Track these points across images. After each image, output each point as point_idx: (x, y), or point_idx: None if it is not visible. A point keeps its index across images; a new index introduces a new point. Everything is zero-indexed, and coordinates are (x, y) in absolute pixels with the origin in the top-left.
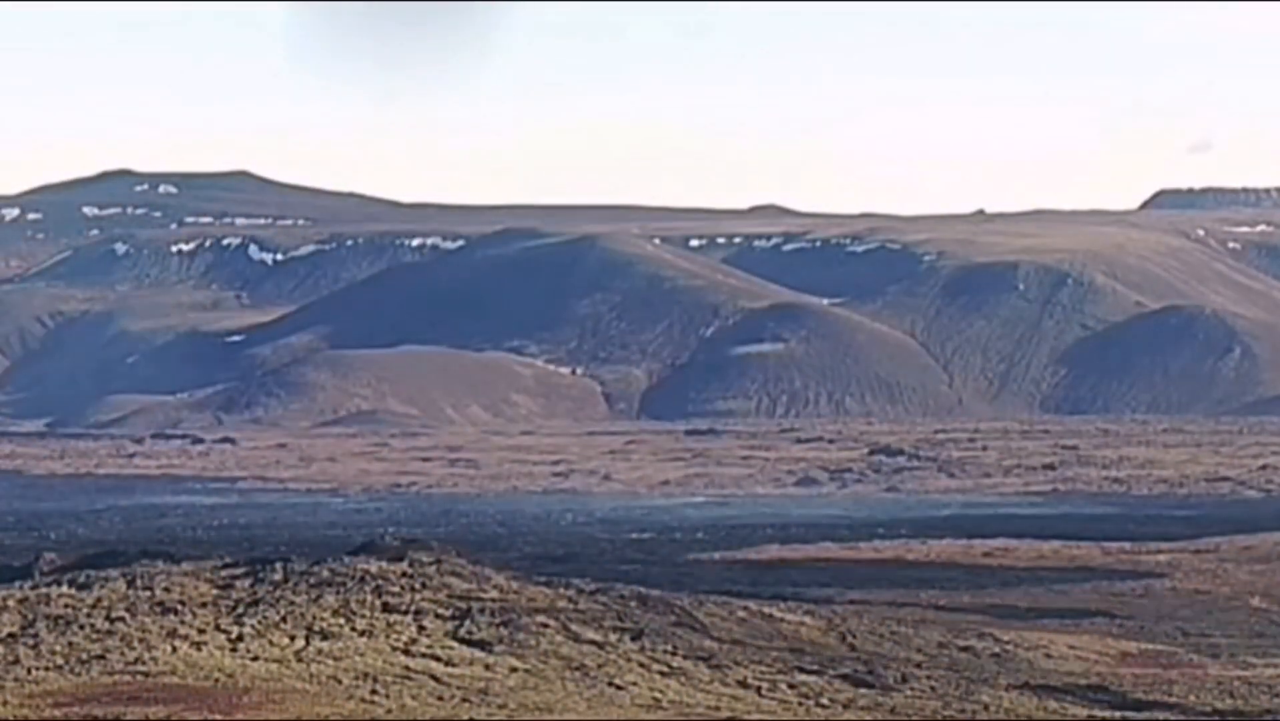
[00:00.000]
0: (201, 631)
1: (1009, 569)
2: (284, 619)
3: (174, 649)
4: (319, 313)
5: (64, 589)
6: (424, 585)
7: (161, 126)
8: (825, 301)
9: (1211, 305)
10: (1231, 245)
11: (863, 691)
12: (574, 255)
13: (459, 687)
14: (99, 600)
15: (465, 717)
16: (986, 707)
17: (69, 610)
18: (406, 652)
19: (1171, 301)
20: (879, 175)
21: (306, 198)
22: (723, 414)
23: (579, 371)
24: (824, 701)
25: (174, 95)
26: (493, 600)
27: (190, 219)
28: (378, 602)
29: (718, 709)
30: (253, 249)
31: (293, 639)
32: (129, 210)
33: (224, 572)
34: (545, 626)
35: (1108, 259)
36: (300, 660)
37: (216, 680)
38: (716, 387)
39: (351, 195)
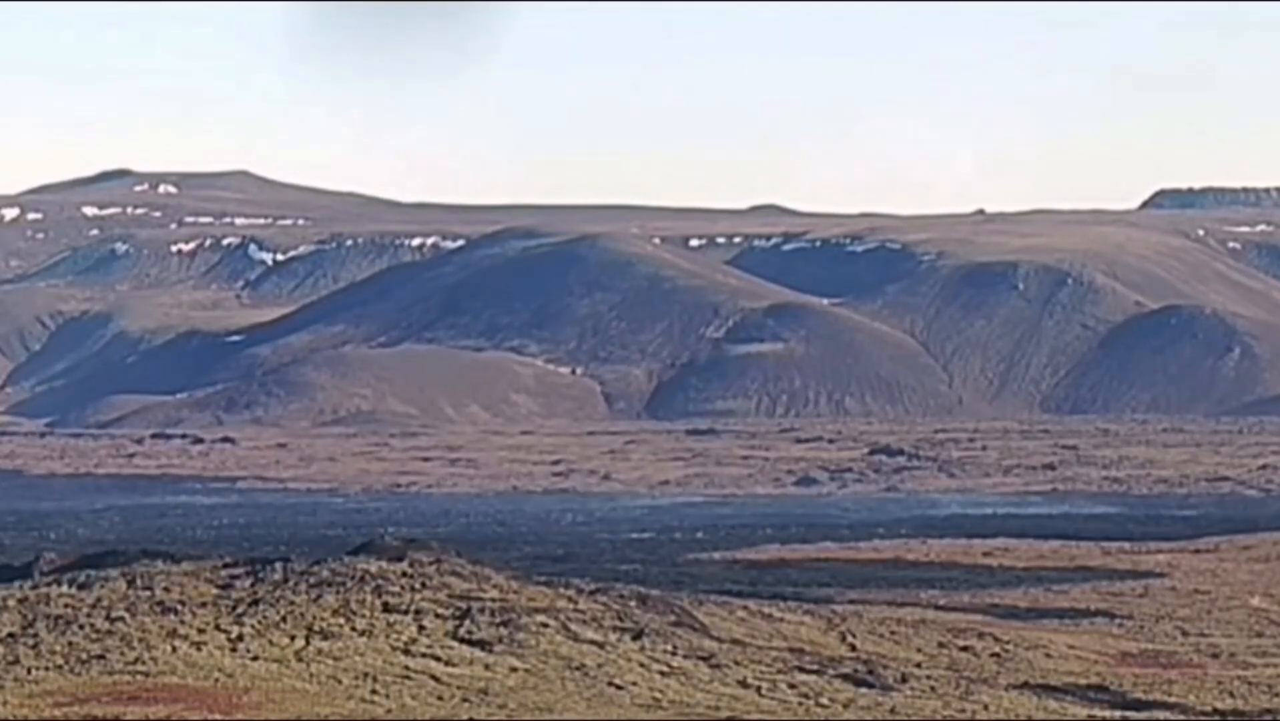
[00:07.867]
0: (201, 631)
1: (1009, 569)
2: (284, 619)
3: (174, 649)
4: (319, 313)
5: (64, 589)
6: (424, 585)
7: (161, 126)
8: (825, 301)
9: (1211, 305)
10: (1231, 245)
11: (863, 691)
12: (574, 255)
13: (459, 687)
14: (99, 600)
15: (465, 717)
16: (986, 707)
17: (69, 610)
18: (406, 652)
19: (1171, 301)
20: (879, 175)
21: (306, 197)
22: (723, 414)
23: (579, 371)
24: (824, 701)
25: (174, 95)
26: (493, 600)
27: (190, 219)
28: (378, 602)
29: (718, 709)
30: (253, 249)
31: (293, 639)
32: (129, 210)
33: (224, 572)
34: (545, 626)
35: (1108, 259)
36: (300, 660)
37: (216, 680)
38: (716, 387)
39: (351, 195)
